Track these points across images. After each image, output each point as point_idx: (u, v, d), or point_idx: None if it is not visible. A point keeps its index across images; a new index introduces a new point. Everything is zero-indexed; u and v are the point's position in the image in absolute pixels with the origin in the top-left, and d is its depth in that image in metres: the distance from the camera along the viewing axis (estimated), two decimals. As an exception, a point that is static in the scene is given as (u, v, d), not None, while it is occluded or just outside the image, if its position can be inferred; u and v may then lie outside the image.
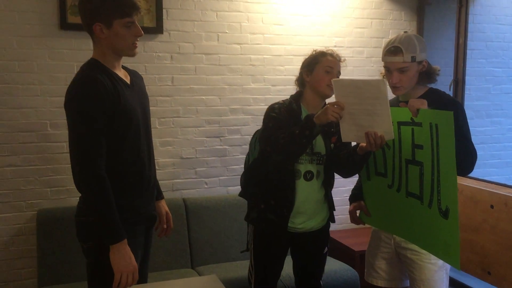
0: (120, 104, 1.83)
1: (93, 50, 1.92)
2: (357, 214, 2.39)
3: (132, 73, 2.05)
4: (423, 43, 2.12)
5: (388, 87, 2.04)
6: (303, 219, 2.29)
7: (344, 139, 2.08)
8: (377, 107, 1.93)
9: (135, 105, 1.92)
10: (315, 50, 2.32)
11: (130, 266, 1.82)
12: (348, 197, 2.45)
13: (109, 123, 1.81)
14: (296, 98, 2.31)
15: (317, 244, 2.39)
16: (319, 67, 2.24)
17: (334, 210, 2.42)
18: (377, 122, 1.96)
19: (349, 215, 2.42)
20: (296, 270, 2.46)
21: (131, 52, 1.92)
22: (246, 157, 2.49)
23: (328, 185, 2.34)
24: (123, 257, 1.81)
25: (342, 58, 2.31)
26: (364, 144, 2.04)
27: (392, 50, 2.08)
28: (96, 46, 1.91)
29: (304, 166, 2.24)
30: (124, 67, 2.02)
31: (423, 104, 1.88)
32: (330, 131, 2.25)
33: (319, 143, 2.25)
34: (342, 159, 2.24)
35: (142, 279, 2.10)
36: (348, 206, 2.41)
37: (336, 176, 2.40)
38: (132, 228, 1.92)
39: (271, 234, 2.31)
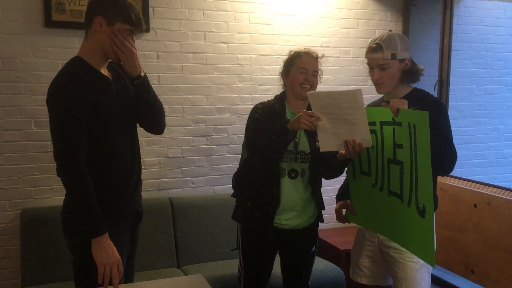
0: (101, 102, 1.85)
1: (81, 46, 1.93)
2: (343, 213, 2.41)
3: (115, 67, 2.03)
4: (406, 42, 2.14)
5: (374, 90, 2.07)
6: (289, 216, 2.30)
7: (323, 149, 2.10)
8: (355, 116, 1.98)
9: (118, 103, 1.92)
10: (292, 51, 2.34)
11: (113, 258, 1.81)
12: (334, 196, 2.46)
13: (90, 120, 1.83)
14: (280, 98, 2.33)
15: (304, 242, 2.40)
16: (294, 69, 2.27)
17: (324, 209, 2.43)
18: (355, 131, 2.00)
19: (334, 215, 2.43)
20: (284, 269, 2.47)
21: (117, 58, 1.92)
22: (240, 158, 2.50)
23: (314, 182, 2.35)
24: (104, 250, 1.80)
25: (320, 55, 2.31)
26: (343, 152, 2.08)
27: (373, 47, 2.13)
28: (86, 41, 1.91)
29: (288, 164, 2.26)
30: (112, 64, 2.01)
31: (403, 104, 1.91)
32: (314, 131, 2.26)
33: (303, 142, 2.27)
34: (323, 163, 2.27)
35: (129, 277, 2.09)
36: (334, 205, 2.43)
37: (322, 175, 2.41)
38: (116, 223, 1.92)
39: (258, 232, 2.32)
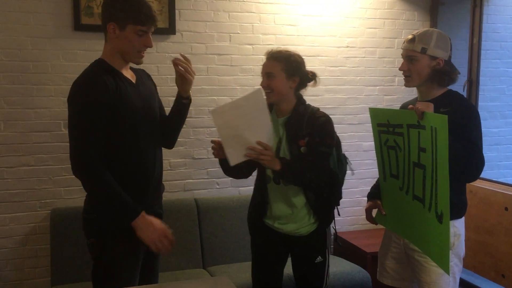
0: (122, 103, 1.88)
1: (103, 49, 1.97)
2: (373, 214, 2.38)
3: (139, 73, 2.08)
4: (444, 41, 2.10)
5: (401, 91, 2.03)
6: (280, 221, 2.28)
7: (232, 163, 2.08)
8: (259, 118, 2.02)
9: (139, 104, 1.95)
10: None
11: (158, 232, 1.86)
12: (359, 198, 2.43)
13: (110, 120, 1.86)
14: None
15: (308, 251, 2.30)
16: None
17: (329, 215, 2.33)
18: (258, 131, 2.03)
19: (360, 217, 2.41)
20: (294, 275, 2.40)
21: (136, 60, 1.96)
22: None
23: (308, 189, 2.22)
24: (147, 228, 1.85)
25: (268, 50, 2.23)
26: (251, 157, 2.06)
27: (409, 39, 2.13)
28: (107, 46, 1.96)
29: (271, 170, 2.20)
30: (132, 69, 2.05)
31: (428, 108, 1.88)
32: (297, 135, 2.17)
33: (283, 149, 2.20)
34: None
35: (153, 276, 2.11)
36: (359, 208, 2.41)
37: (349, 177, 2.36)
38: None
39: (252, 234, 2.40)
